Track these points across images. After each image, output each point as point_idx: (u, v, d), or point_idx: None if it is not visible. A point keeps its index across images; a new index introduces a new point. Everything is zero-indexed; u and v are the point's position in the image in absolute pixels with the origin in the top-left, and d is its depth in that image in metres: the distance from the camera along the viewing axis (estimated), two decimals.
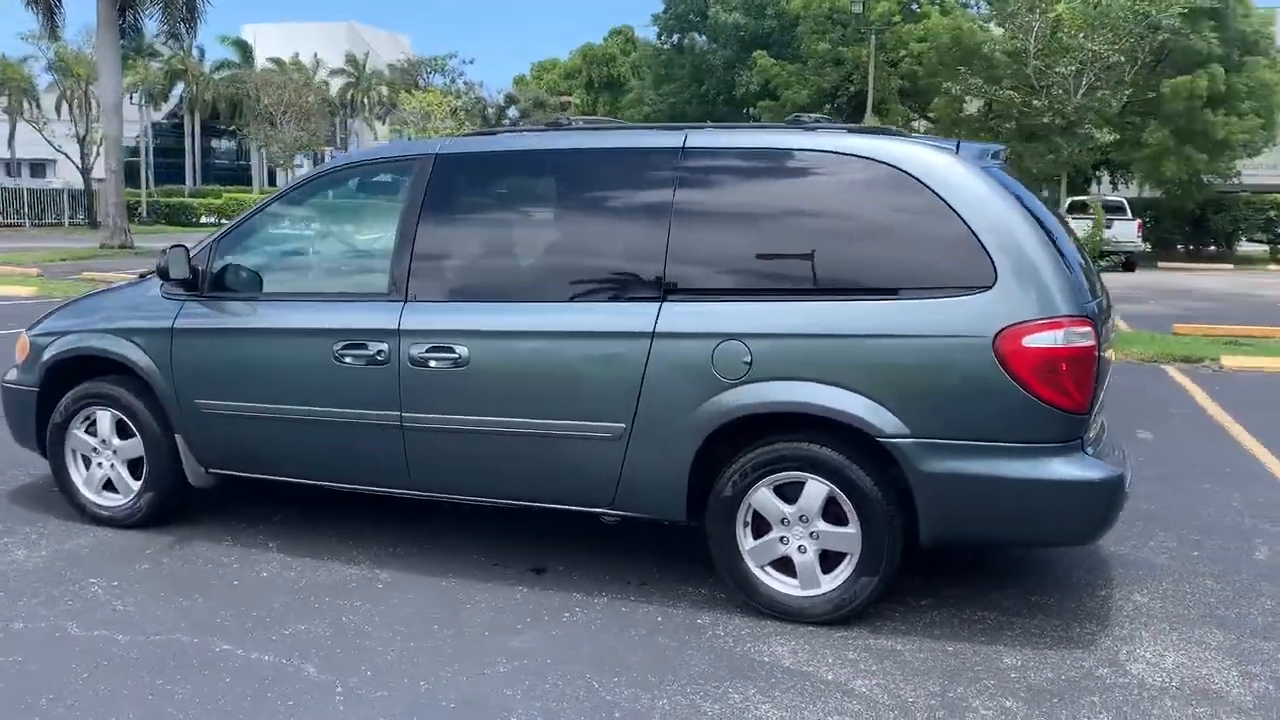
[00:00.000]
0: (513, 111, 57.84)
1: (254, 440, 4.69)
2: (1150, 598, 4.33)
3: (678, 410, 3.99)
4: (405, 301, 4.36)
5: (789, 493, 3.96)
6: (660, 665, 3.65)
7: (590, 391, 4.12)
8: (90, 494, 5.04)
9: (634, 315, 4.05)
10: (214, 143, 73.32)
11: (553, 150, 4.41)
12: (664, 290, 4.03)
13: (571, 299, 4.19)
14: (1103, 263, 17.59)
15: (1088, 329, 3.68)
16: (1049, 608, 4.20)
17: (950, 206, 3.77)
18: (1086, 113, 22.33)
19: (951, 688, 3.51)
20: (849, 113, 37.46)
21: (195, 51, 53.23)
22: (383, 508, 5.18)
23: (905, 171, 3.86)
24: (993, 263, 3.70)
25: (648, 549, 4.75)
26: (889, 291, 3.82)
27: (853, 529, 3.89)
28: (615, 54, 70.81)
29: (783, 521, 3.97)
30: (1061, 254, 3.80)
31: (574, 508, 4.34)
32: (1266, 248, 33.52)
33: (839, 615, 3.94)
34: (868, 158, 3.93)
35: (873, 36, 32.94)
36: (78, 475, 5.06)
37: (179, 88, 57.32)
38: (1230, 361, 10.54)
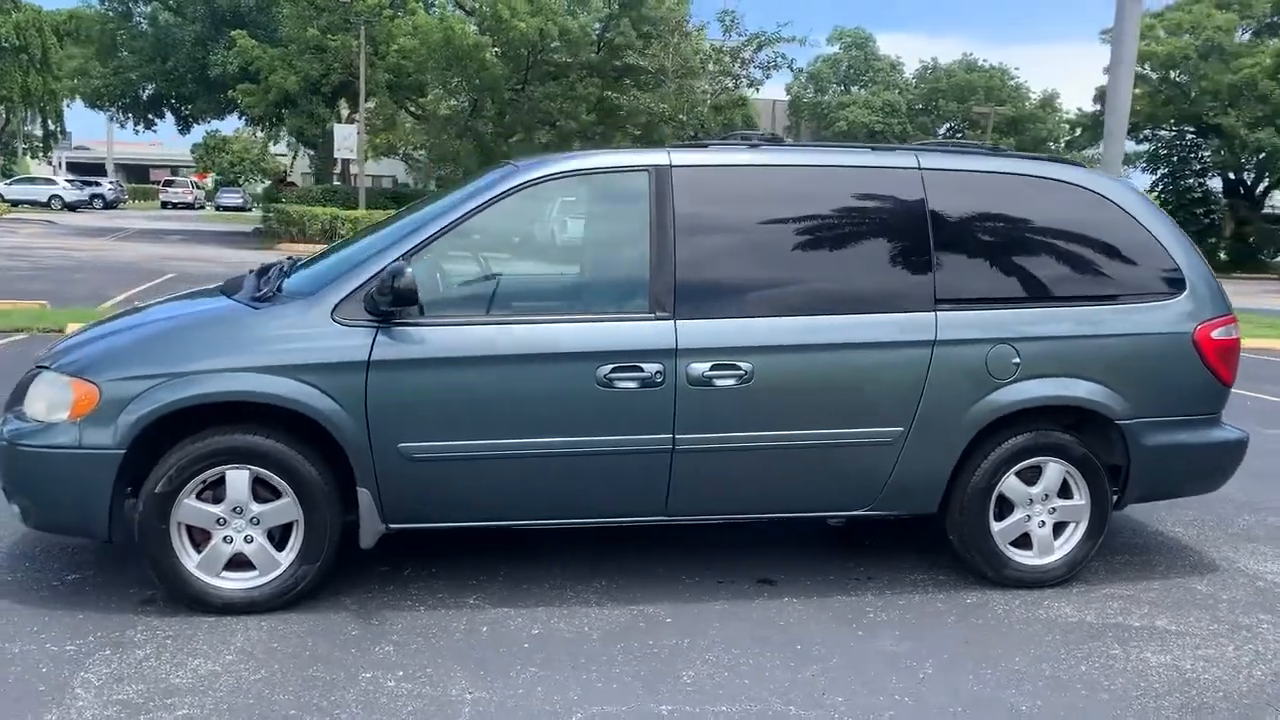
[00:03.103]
0: None
1: (479, 483, 4.07)
2: (1253, 517, 5.70)
3: (954, 411, 4.36)
4: (675, 319, 4.13)
5: (1027, 476, 4.54)
6: (1023, 645, 4.01)
7: (874, 399, 4.30)
8: (209, 577, 3.95)
9: (917, 324, 4.32)
10: None
11: (803, 166, 4.45)
12: (935, 300, 4.36)
13: (850, 310, 4.31)
14: None
15: (1235, 323, 4.76)
16: (1176, 546, 5.26)
17: (1145, 227, 4.63)
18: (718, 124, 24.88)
19: (1223, 613, 4.38)
20: (331, 100, 36.58)
21: None
22: (489, 541, 4.77)
23: (1108, 198, 4.63)
24: (1182, 272, 4.62)
25: (833, 546, 4.98)
26: (1110, 298, 4.57)
27: (1081, 500, 4.59)
28: None
29: (1029, 502, 4.54)
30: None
31: (833, 513, 4.50)
32: None
33: (1070, 575, 4.62)
34: (1083, 186, 4.63)
35: (362, 28, 32.45)
36: (188, 556, 3.93)
37: None
38: None
